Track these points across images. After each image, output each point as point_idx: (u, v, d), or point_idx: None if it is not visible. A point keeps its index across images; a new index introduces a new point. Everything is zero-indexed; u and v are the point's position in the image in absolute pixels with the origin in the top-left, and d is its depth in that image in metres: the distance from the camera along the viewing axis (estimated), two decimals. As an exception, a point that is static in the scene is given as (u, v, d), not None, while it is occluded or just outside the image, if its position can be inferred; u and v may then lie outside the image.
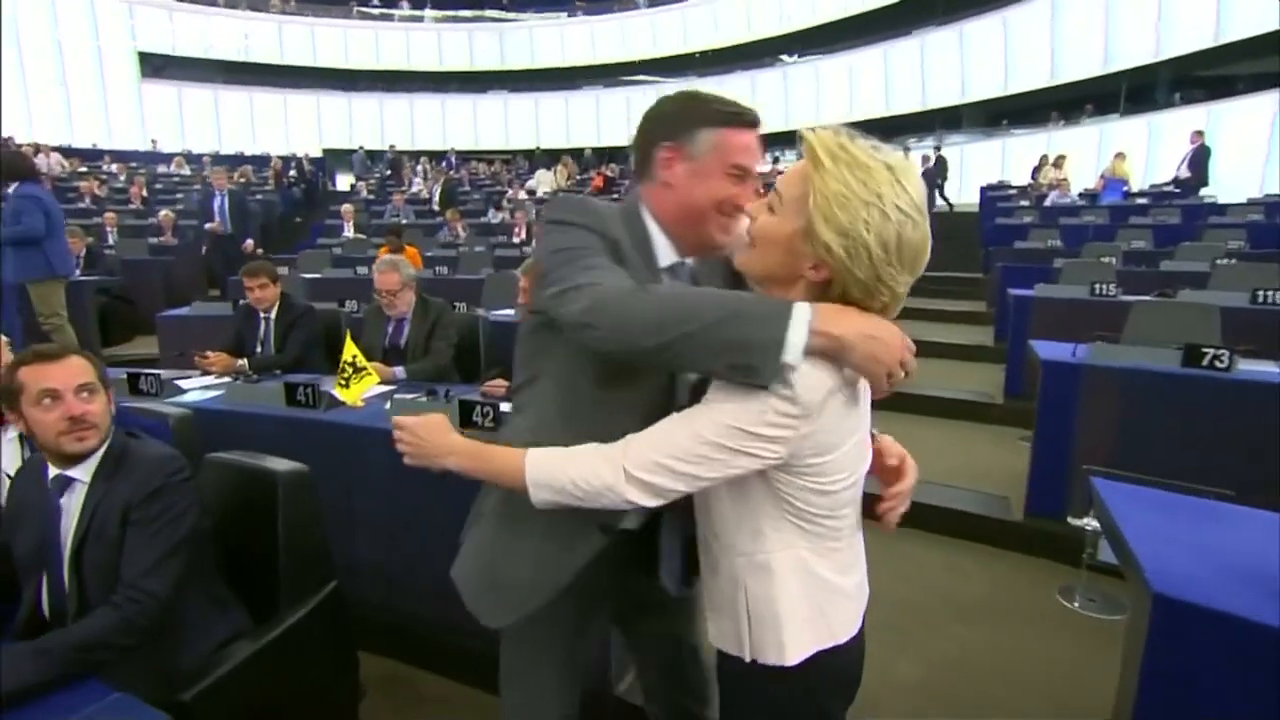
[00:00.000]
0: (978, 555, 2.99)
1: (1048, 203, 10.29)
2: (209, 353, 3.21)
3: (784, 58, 21.15)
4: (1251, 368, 2.72)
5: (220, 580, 1.60)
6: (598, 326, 0.92)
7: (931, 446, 4.14)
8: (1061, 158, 11.90)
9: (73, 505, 1.40)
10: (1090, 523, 2.50)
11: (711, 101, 1.11)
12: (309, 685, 1.72)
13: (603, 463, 0.94)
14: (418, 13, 24.76)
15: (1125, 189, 10.65)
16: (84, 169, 14.69)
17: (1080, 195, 10.75)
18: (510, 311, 4.27)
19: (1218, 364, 2.67)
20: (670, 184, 1.12)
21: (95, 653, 1.23)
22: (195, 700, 1.35)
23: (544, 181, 13.44)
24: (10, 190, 4.47)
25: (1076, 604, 2.63)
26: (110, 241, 8.76)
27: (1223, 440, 2.63)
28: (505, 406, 2.25)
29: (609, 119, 23.76)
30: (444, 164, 18.11)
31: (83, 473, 1.40)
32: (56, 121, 19.20)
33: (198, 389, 2.92)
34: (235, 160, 17.40)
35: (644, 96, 23.97)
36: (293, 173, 14.40)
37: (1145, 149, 13.31)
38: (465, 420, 2.20)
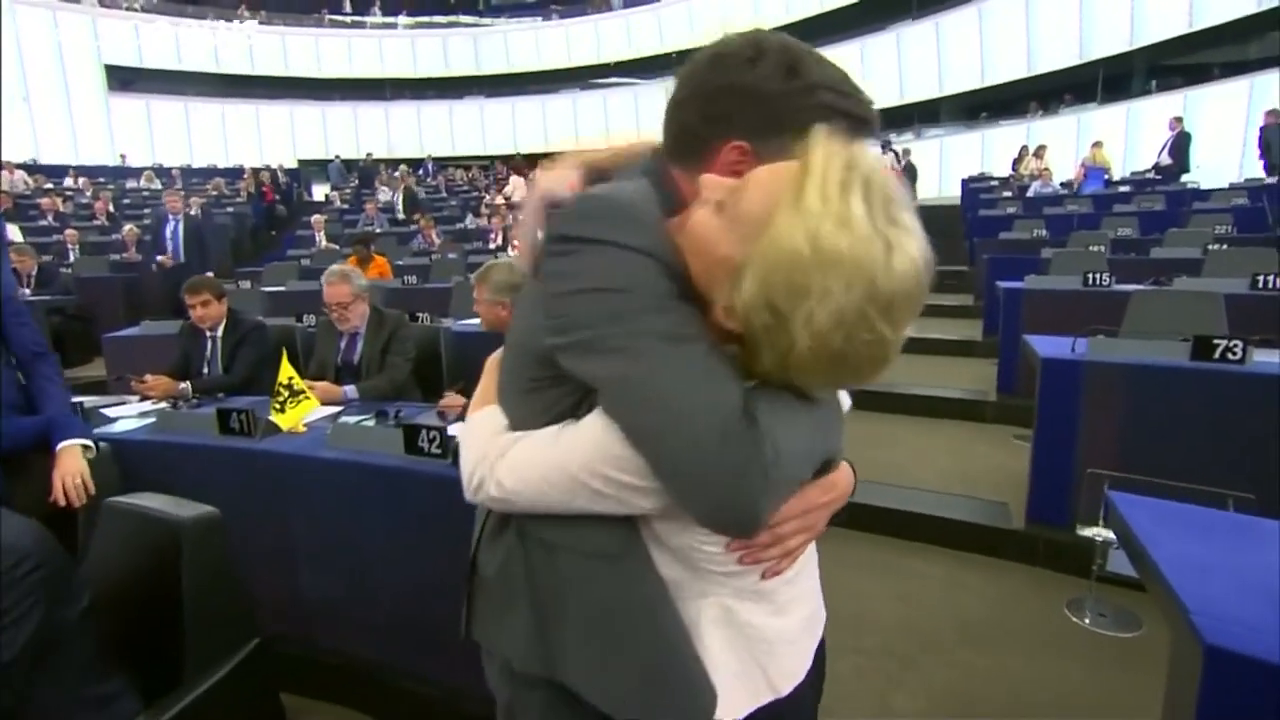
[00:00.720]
0: (979, 568, 2.79)
1: (1030, 193, 10.19)
2: (147, 376, 2.95)
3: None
4: (1266, 358, 2.55)
5: (102, 674, 1.34)
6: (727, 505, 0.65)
7: (923, 449, 3.95)
8: (1042, 148, 11.86)
9: None
10: (1100, 533, 2.32)
11: (822, 88, 0.73)
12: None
13: (486, 446, 0.82)
14: (390, 19, 24.45)
15: (1106, 177, 10.59)
16: (49, 185, 14.26)
17: (1062, 185, 10.67)
18: (477, 321, 4.04)
19: (1230, 355, 2.49)
20: None
21: None
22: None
23: (518, 188, 13.19)
24: None
25: (1087, 620, 2.43)
26: (71, 259, 8.45)
27: (1239, 438, 2.45)
28: (453, 429, 2.03)
29: (586, 121, 23.57)
30: (420, 171, 17.83)
31: None
32: (22, 138, 18.71)
33: (132, 416, 2.67)
34: (207, 173, 17.04)
35: (620, 98, 23.94)
36: (267, 184, 14.02)
37: (1124, 137, 13.29)
38: (410, 446, 1.97)
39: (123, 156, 18.75)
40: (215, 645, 1.49)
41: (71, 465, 1.86)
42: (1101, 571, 2.42)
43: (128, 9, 20.85)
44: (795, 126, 0.68)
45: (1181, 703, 1.14)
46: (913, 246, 0.60)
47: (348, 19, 24.36)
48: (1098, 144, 10.93)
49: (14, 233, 9.11)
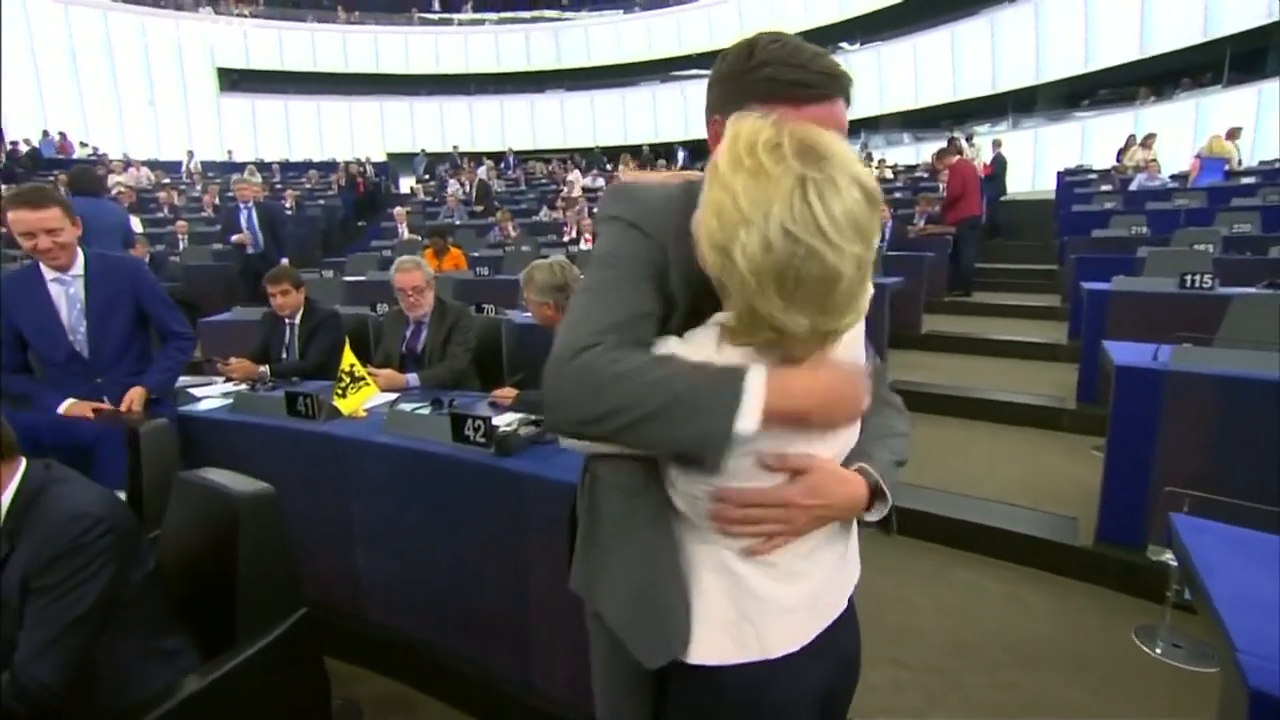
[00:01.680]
0: (1040, 586, 2.64)
1: (1133, 186, 9.45)
2: (231, 359, 3.19)
3: (844, 45, 20.38)
4: (1379, 375, 2.28)
5: (167, 630, 1.47)
6: (551, 406, 0.80)
7: (993, 457, 3.77)
8: (1150, 136, 10.96)
9: None
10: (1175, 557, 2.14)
11: (766, 64, 0.85)
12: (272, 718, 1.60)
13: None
14: (478, 16, 25.17)
15: (1226, 168, 9.66)
16: (166, 180, 15.53)
17: (1171, 178, 9.83)
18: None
19: (1337, 370, 2.25)
20: None
21: None
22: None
23: (576, 183, 13.36)
24: None
25: (1159, 650, 2.26)
26: (181, 248, 9.18)
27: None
28: (499, 420, 2.10)
29: (665, 114, 23.54)
30: (502, 164, 18.31)
31: None
32: (147, 138, 20.49)
33: (215, 396, 2.89)
34: (303, 167, 18.10)
35: (700, 91, 23.44)
36: (360, 177, 14.69)
37: (1253, 122, 12.05)
38: (456, 434, 2.05)
39: (229, 152, 20.19)
40: (266, 612, 1.60)
41: (135, 393, 2.28)
42: (1178, 599, 2.25)
43: (238, 15, 22.37)
44: (748, 99, 0.85)
45: (1224, 746, 1.06)
46: (839, 178, 0.71)
47: (435, 16, 25.23)
48: (1234, 131, 9.85)
49: (135, 224, 10.00)
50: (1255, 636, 1.06)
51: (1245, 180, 8.99)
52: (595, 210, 1.01)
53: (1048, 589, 2.62)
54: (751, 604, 0.86)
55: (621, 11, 25.02)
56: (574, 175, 14.17)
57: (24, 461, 1.35)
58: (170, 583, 1.54)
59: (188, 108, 21.60)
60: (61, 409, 2.19)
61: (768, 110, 0.82)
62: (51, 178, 13.51)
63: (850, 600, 0.99)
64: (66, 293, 2.23)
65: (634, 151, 17.82)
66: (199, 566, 1.64)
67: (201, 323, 4.70)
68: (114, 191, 9.76)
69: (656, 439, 0.77)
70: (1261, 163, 10.21)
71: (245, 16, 22.46)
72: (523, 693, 2.01)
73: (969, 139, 12.50)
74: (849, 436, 0.91)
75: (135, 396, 2.29)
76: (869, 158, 16.70)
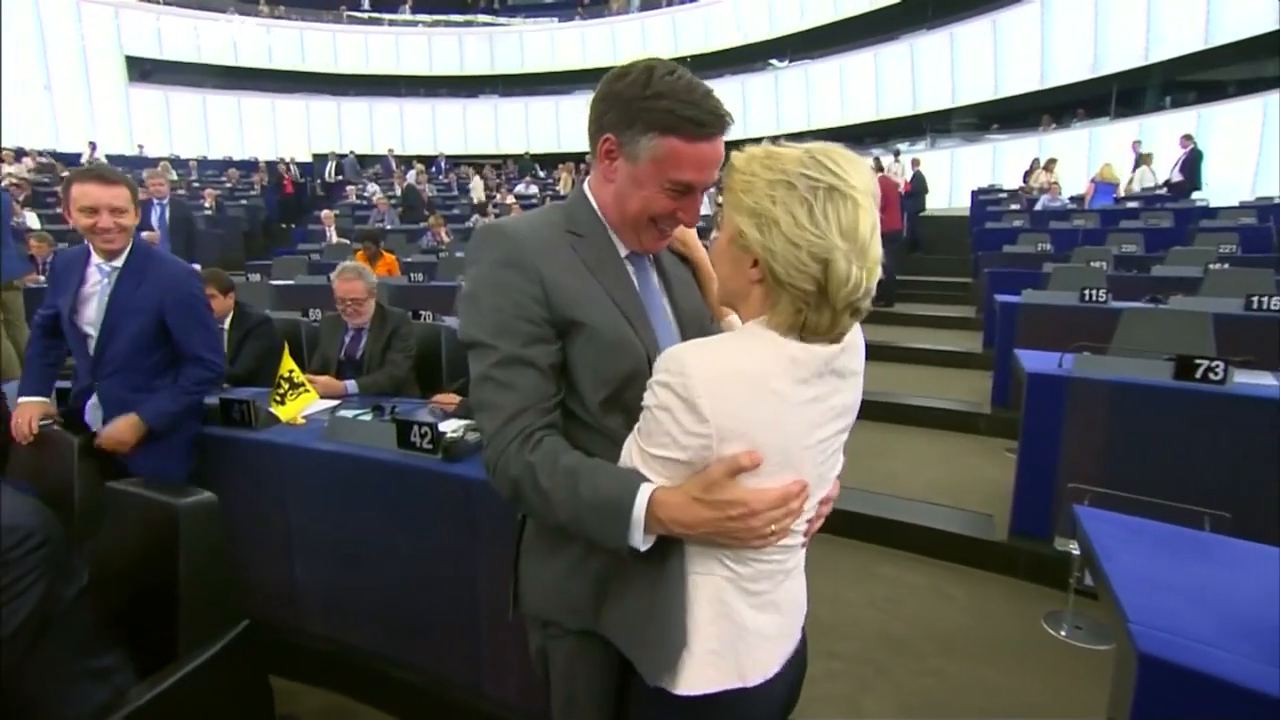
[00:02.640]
0: (961, 578, 2.84)
1: (1038, 206, 10.19)
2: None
3: (774, 62, 21.06)
4: (1248, 380, 2.58)
5: (102, 647, 1.41)
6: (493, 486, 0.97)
7: (916, 459, 4.00)
8: (1052, 161, 11.84)
9: None
10: (1078, 546, 2.35)
11: (664, 96, 0.92)
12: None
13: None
14: (410, 18, 24.63)
15: (1115, 194, 10.57)
16: (66, 174, 14.46)
17: (1071, 200, 10.66)
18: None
19: (1212, 376, 2.53)
20: (609, 178, 1.01)
21: None
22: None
23: (477, 189, 13.36)
24: None
25: (1063, 632, 2.47)
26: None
27: (1218, 458, 2.48)
28: (445, 425, 2.10)
29: (600, 123, 23.62)
30: (433, 169, 17.96)
31: None
32: (42, 125, 18.99)
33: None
34: (222, 165, 17.23)
35: (636, 101, 23.72)
36: (296, 176, 14.05)
37: (1136, 153, 13.22)
38: (402, 441, 2.04)
39: (140, 147, 18.98)
40: (207, 625, 1.55)
41: (123, 427, 2.08)
42: (1080, 585, 2.46)
43: (149, 2, 21.10)
44: (645, 127, 0.93)
45: (1120, 710, 1.19)
46: (830, 146, 0.86)
47: (365, 15, 24.54)
48: (1141, 156, 10.88)
49: (32, 219, 9.28)
50: (1146, 610, 1.20)
51: (1131, 204, 9.84)
52: (466, 253, 1.12)
53: (967, 581, 2.82)
54: (736, 634, 0.89)
55: (557, 19, 25.03)
56: (475, 183, 14.11)
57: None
58: (105, 597, 1.48)
59: (90, 96, 20.17)
60: (18, 404, 2.09)
61: (661, 140, 0.93)
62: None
63: None
64: (102, 282, 2.09)
65: (578, 160, 17.82)
66: (136, 579, 1.58)
67: None
68: (4, 183, 9.06)
69: (575, 535, 0.94)
70: (1144, 189, 11.20)
71: (157, 3, 21.18)
72: (473, 699, 2.01)
73: (896, 155, 13.16)
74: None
75: (123, 431, 2.05)
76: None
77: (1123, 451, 2.63)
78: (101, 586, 1.48)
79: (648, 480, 0.86)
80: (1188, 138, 10.26)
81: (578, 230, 1.03)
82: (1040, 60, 15.19)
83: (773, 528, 0.83)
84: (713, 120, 0.94)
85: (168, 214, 6.34)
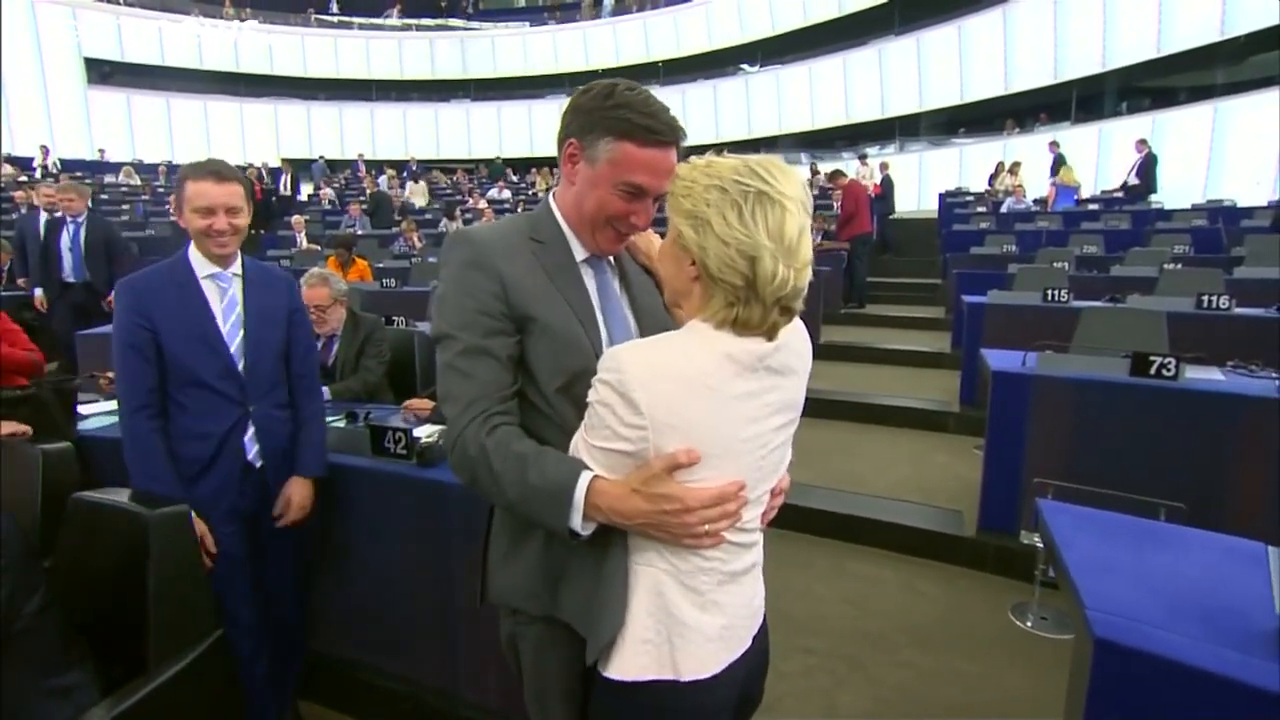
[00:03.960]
0: (931, 573, 2.90)
1: (1004, 209, 10.44)
2: (109, 373, 2.97)
3: (745, 67, 21.27)
4: (1199, 375, 2.68)
5: (64, 664, 1.38)
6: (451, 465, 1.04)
7: (884, 458, 4.07)
8: (1017, 164, 12.13)
9: None
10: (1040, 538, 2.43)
11: (623, 106, 1.02)
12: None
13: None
14: (379, 21, 24.38)
15: (1075, 196, 10.87)
16: (23, 178, 14.04)
17: (1035, 202, 10.94)
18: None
19: (1165, 372, 2.62)
20: (571, 182, 1.09)
21: None
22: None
23: (416, 194, 13.46)
24: None
25: (1029, 623, 2.55)
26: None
27: (1173, 451, 2.58)
28: (419, 431, 2.09)
29: (573, 127, 23.60)
30: (404, 173, 17.79)
31: None
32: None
33: (101, 414, 2.69)
34: (186, 170, 16.82)
35: (608, 105, 23.79)
36: (267, 182, 13.81)
37: (1095, 156, 13.63)
38: (376, 447, 2.03)
39: (101, 151, 18.49)
40: (179, 636, 1.53)
41: (301, 494, 1.88)
42: (1045, 577, 2.53)
43: (109, 1, 20.59)
44: (604, 130, 1.02)
45: (1077, 692, 1.24)
46: (769, 159, 0.93)
47: (334, 19, 24.24)
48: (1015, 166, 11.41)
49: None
50: (1102, 596, 1.25)
51: (1092, 207, 10.13)
52: (439, 257, 1.20)
53: (938, 576, 2.88)
54: (673, 625, 0.92)
55: (529, 24, 24.99)
56: (412, 186, 14.12)
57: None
58: (69, 612, 1.45)
59: (47, 98, 19.60)
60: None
61: (616, 144, 1.02)
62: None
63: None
64: (224, 294, 1.79)
65: (550, 165, 17.78)
66: (104, 593, 1.55)
67: (79, 335, 4.32)
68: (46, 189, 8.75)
69: (523, 518, 1.02)
70: (1103, 192, 11.54)
71: (117, 4, 20.67)
72: (451, 705, 2.01)
73: (863, 159, 13.37)
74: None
75: (305, 499, 1.87)
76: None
77: (1084, 446, 2.71)
78: (67, 601, 1.45)
79: (590, 469, 0.92)
80: (1143, 142, 10.60)
81: (539, 237, 1.11)
82: (1004, 66, 15.57)
83: (707, 528, 0.88)
84: (665, 129, 1.02)
85: (83, 234, 5.15)
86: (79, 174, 15.21)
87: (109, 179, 15.28)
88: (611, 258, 1.17)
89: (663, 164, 1.03)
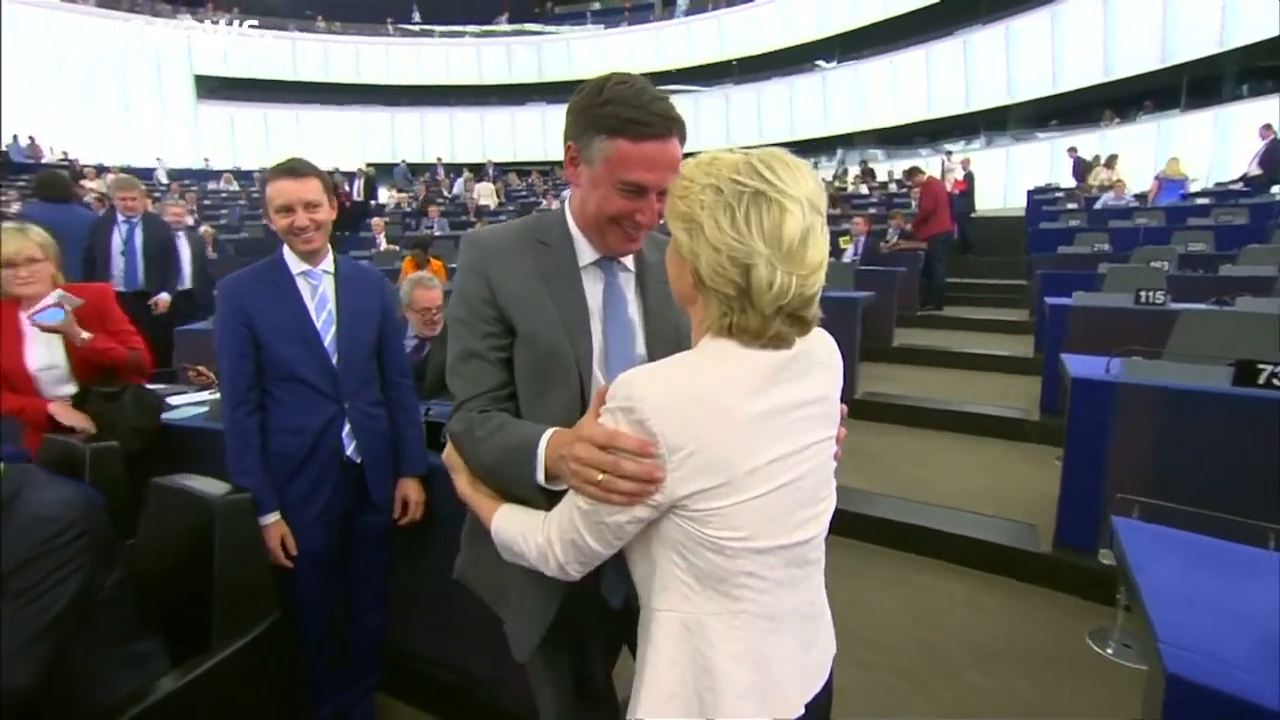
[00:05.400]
0: (1000, 590, 2.73)
1: (1098, 205, 9.76)
2: (200, 367, 3.19)
3: (821, 63, 20.77)
4: (1315, 386, 2.41)
5: (140, 634, 1.48)
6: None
7: (956, 467, 3.88)
8: (1113, 158, 11.34)
9: None
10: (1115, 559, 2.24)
11: (611, 102, 0.99)
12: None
13: (536, 531, 0.93)
14: (459, 29, 25.23)
15: (1183, 190, 10.02)
16: (141, 188, 15.29)
17: (1135, 198, 10.17)
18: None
19: (1275, 382, 2.37)
20: (576, 184, 1.08)
21: None
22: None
23: (484, 194, 13.79)
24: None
25: (1110, 650, 2.36)
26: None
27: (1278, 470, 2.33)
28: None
29: (646, 128, 23.69)
30: (484, 175, 18.34)
31: None
32: (120, 144, 20.20)
33: (191, 404, 2.89)
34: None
35: (680, 105, 23.78)
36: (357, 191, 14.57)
37: (1211, 145, 12.52)
38: (433, 443, 2.08)
39: (206, 160, 19.97)
40: (240, 615, 1.62)
41: (415, 495, 1.95)
42: (1130, 600, 2.34)
43: (216, 23, 22.20)
44: (596, 129, 1.00)
45: (1148, 729, 1.13)
46: (776, 153, 0.85)
47: (417, 28, 25.25)
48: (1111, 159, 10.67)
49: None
50: (1178, 628, 1.14)
51: (1201, 201, 9.32)
52: None
53: (1006, 593, 2.71)
54: (702, 678, 0.83)
55: (604, 26, 25.26)
56: (480, 188, 14.58)
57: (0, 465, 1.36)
58: (144, 587, 1.56)
59: (165, 115, 21.34)
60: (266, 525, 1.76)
61: (608, 142, 0.99)
62: (22, 183, 13.29)
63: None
64: (316, 291, 1.81)
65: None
66: (174, 571, 1.66)
67: (178, 331, 4.65)
68: (86, 198, 9.59)
69: (504, 483, 1.04)
70: (1218, 184, 10.59)
71: (225, 24, 22.28)
72: (499, 697, 2.03)
73: (947, 155, 12.80)
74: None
75: (418, 498, 1.95)
76: (845, 172, 17.04)
77: (1175, 461, 2.49)
78: (142, 577, 1.56)
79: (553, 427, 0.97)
80: (1268, 128, 9.64)
81: (545, 239, 1.11)
82: (1103, 51, 14.54)
83: (599, 476, 0.80)
84: (657, 121, 0.98)
85: (140, 237, 4.76)
86: (187, 181, 16.48)
87: (211, 185, 16.48)
88: (631, 260, 1.15)
89: (660, 157, 0.99)
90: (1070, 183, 12.42)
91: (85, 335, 2.18)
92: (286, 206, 1.75)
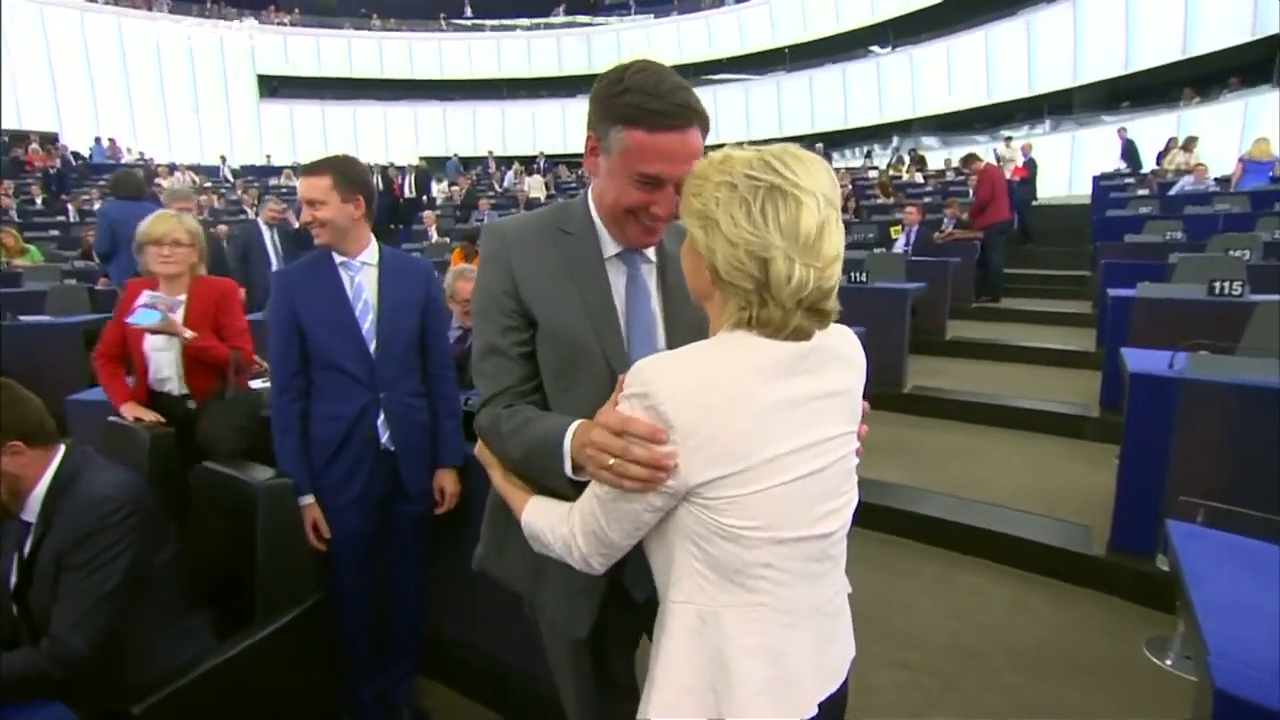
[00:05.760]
0: (1047, 592, 2.62)
1: (1173, 191, 9.21)
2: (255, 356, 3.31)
3: (875, 48, 20.19)
4: (1404, 385, 2.22)
5: (189, 609, 1.57)
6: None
7: (1008, 464, 3.74)
8: (1192, 140, 10.66)
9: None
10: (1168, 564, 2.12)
11: (629, 91, 0.96)
12: (279, 700, 1.68)
13: (561, 522, 0.93)
14: (510, 22, 25.52)
15: (1272, 173, 9.35)
16: (208, 184, 16.08)
17: (1215, 181, 9.54)
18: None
19: (1359, 380, 2.19)
20: (595, 175, 1.07)
21: (12, 693, 1.21)
22: (145, 714, 1.33)
23: (534, 187, 13.92)
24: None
25: (1169, 661, 2.23)
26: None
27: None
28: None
29: (695, 118, 23.55)
30: (535, 167, 18.57)
31: (30, 512, 1.39)
32: (190, 143, 21.25)
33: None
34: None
35: (731, 94, 23.76)
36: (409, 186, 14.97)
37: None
38: (466, 430, 2.11)
39: (268, 157, 20.80)
40: (282, 596, 1.68)
41: (451, 485, 1.99)
42: (1182, 608, 2.21)
43: (279, 24, 23.06)
44: (614, 119, 0.97)
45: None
46: (790, 149, 0.84)
47: (469, 22, 25.65)
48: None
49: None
50: (1230, 640, 1.07)
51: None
52: None
53: (1055, 596, 2.60)
54: (717, 672, 0.82)
55: (653, 15, 25.15)
56: (529, 180, 14.69)
57: (63, 448, 1.45)
58: (193, 566, 1.64)
59: (229, 114, 22.31)
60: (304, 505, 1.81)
61: (626, 133, 0.96)
62: (103, 182, 14.10)
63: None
64: (352, 281, 1.86)
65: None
66: (220, 553, 1.74)
67: (251, 319, 4.84)
68: (162, 196, 10.09)
69: (535, 476, 1.02)
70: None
71: (285, 25, 23.11)
72: (532, 685, 2.06)
73: (1007, 141, 12.29)
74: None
75: (452, 492, 1.98)
76: (900, 160, 16.54)
77: (1244, 464, 2.33)
78: (191, 558, 1.64)
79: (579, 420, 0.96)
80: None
81: (567, 228, 1.10)
82: (1183, 25, 13.68)
83: (611, 461, 0.80)
84: (675, 111, 0.96)
85: (276, 238, 5.24)
86: (250, 178, 17.21)
87: (273, 181, 17.16)
88: (653, 252, 1.13)
89: (679, 149, 0.96)
90: (1139, 168, 11.76)
91: (189, 334, 2.25)
92: (307, 202, 1.83)
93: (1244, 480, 2.30)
